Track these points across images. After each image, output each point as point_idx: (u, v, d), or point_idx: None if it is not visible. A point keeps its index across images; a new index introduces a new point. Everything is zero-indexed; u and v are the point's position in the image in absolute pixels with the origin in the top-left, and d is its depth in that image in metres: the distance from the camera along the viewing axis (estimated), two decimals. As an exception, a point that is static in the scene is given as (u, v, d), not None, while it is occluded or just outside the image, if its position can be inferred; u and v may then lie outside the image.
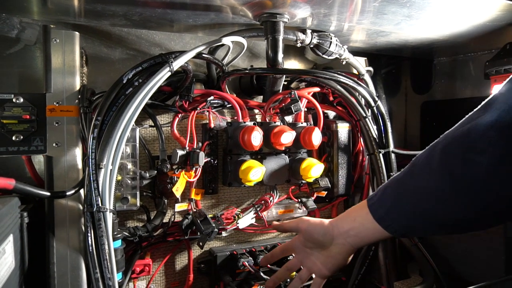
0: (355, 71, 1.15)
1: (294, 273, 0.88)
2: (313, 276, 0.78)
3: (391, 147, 1.10)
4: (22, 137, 0.75)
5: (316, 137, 0.99)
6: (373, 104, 1.09)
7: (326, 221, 0.77)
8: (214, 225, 0.90)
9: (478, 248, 0.95)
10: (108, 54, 1.03)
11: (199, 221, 0.90)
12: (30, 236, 0.73)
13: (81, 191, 0.75)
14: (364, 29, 1.06)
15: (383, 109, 1.11)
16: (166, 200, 0.92)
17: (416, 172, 0.64)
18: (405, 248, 1.02)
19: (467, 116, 0.60)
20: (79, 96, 0.79)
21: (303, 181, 1.07)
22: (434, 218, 0.62)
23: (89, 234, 0.70)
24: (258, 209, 1.02)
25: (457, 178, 0.57)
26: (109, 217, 0.72)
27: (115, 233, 0.75)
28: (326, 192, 1.10)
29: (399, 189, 0.66)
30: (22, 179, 0.64)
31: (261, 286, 0.92)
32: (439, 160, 0.60)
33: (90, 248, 0.70)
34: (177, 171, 0.89)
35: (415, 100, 1.59)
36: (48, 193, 0.71)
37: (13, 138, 0.74)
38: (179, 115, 0.94)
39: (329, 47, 1.01)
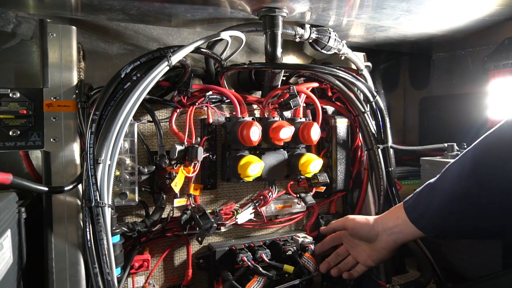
0: (353, 66, 1.15)
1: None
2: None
3: (390, 143, 1.10)
4: (19, 132, 0.74)
5: (315, 133, 0.99)
6: (371, 99, 1.09)
7: (371, 218, 0.82)
8: (213, 220, 0.89)
9: (475, 243, 0.95)
10: (105, 49, 1.02)
11: (198, 217, 0.90)
12: (28, 232, 0.73)
13: (79, 186, 0.74)
14: (363, 24, 1.05)
15: (382, 104, 1.11)
16: (164, 196, 0.91)
17: (448, 176, 0.68)
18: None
19: (498, 124, 0.62)
20: (77, 91, 0.79)
21: (302, 177, 1.07)
22: (464, 221, 0.66)
23: (87, 229, 0.70)
24: (256, 204, 1.02)
25: (485, 185, 0.61)
26: (108, 212, 0.72)
27: (114, 228, 0.75)
28: (325, 187, 1.10)
29: (431, 192, 0.71)
30: (19, 174, 0.63)
31: (260, 278, 0.92)
32: (469, 166, 0.63)
33: (89, 243, 0.70)
34: (175, 167, 0.89)
35: (414, 96, 1.59)
36: (46, 188, 0.70)
37: (10, 133, 0.74)
38: (178, 110, 0.93)
39: (328, 42, 1.00)
